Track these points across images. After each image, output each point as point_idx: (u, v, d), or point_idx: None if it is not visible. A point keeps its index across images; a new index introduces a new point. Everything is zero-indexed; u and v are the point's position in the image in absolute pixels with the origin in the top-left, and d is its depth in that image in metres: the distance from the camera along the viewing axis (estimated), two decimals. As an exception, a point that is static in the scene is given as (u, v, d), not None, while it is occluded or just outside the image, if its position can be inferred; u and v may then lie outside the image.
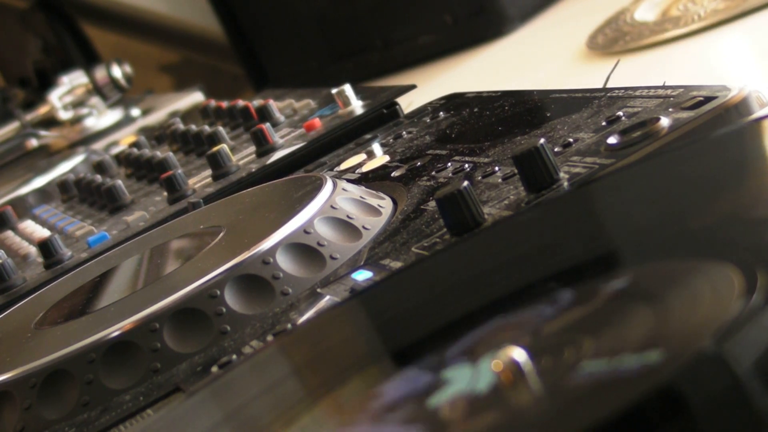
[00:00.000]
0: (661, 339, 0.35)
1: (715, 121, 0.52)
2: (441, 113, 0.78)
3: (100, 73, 1.45)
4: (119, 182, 0.95)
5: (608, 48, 0.93)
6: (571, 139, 0.57)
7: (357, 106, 0.88)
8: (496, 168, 0.59)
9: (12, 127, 1.55)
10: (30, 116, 1.52)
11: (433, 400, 0.37)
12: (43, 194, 1.22)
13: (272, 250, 0.56)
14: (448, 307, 0.44)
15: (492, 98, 0.75)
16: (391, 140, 0.77)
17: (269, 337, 0.52)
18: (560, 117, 0.62)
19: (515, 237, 0.46)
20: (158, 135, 1.20)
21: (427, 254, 0.52)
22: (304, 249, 0.57)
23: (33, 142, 1.57)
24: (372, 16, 1.35)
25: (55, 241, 0.82)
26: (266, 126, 0.88)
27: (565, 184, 0.51)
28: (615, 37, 0.94)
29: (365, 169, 0.73)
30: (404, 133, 0.77)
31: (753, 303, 0.32)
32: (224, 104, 1.11)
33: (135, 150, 1.11)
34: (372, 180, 0.70)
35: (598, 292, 0.40)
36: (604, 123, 0.57)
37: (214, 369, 0.51)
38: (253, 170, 0.83)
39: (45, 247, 0.82)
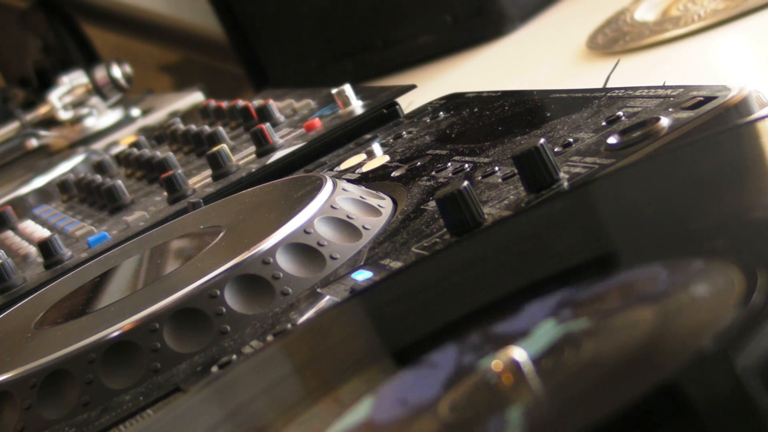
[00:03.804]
0: (661, 340, 0.35)
1: (715, 121, 0.52)
2: (441, 113, 0.78)
3: (100, 73, 1.45)
4: (119, 182, 0.95)
5: (608, 48, 0.93)
6: (571, 139, 0.57)
7: (357, 106, 0.88)
8: (496, 168, 0.59)
9: (12, 127, 1.55)
10: (30, 116, 1.52)
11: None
12: (43, 194, 1.22)
13: (272, 250, 0.56)
14: (448, 307, 0.44)
15: (492, 98, 0.75)
16: (391, 140, 0.77)
17: (269, 337, 0.52)
18: (560, 117, 0.62)
19: (515, 237, 0.46)
20: (158, 135, 1.20)
21: (427, 254, 0.52)
22: (304, 249, 0.57)
23: (33, 142, 1.57)
24: (372, 16, 1.35)
25: (55, 241, 0.82)
26: (266, 126, 0.88)
27: (565, 184, 0.51)
28: (615, 37, 0.94)
29: (365, 169, 0.73)
30: (404, 133, 0.77)
31: (753, 303, 0.32)
32: (224, 104, 1.11)
33: (135, 150, 1.11)
34: (372, 180, 0.70)
35: (598, 292, 0.40)
36: (604, 123, 0.57)
37: (214, 369, 0.52)
38: (253, 170, 0.83)
39: (45, 247, 0.82)
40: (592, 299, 0.40)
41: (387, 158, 0.73)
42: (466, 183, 0.51)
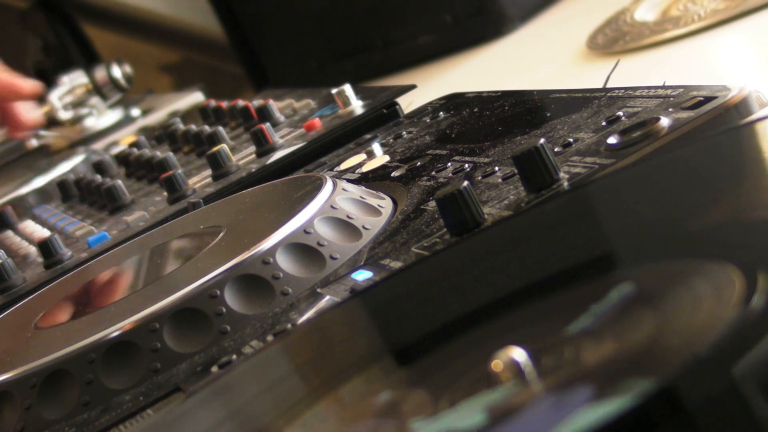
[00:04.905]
0: (660, 341, 0.35)
1: (715, 121, 0.52)
2: (441, 113, 0.78)
3: (100, 73, 1.45)
4: (119, 182, 0.95)
5: (608, 48, 0.93)
6: (571, 139, 0.57)
7: (357, 106, 0.88)
8: (496, 168, 0.59)
9: (12, 126, 1.54)
10: (30, 116, 1.51)
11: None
12: (43, 194, 1.22)
13: (272, 250, 0.56)
14: (448, 307, 0.44)
15: (492, 98, 0.75)
16: (391, 140, 0.77)
17: (269, 337, 0.52)
18: (560, 117, 0.62)
19: (515, 237, 0.46)
20: (158, 135, 1.20)
21: (427, 254, 0.52)
22: (304, 249, 0.57)
23: (33, 142, 1.57)
24: (372, 16, 1.35)
25: (55, 241, 0.82)
26: (266, 126, 0.88)
27: (565, 184, 0.51)
28: (615, 37, 0.94)
29: (365, 169, 0.73)
30: (404, 133, 0.77)
31: (753, 305, 0.32)
32: (224, 104, 1.11)
33: (135, 150, 1.11)
34: (372, 180, 0.70)
35: (597, 292, 0.40)
36: (604, 123, 0.57)
37: (214, 369, 0.52)
38: (253, 170, 0.83)
39: (45, 247, 0.82)
40: (591, 299, 0.40)
41: (387, 158, 0.73)
42: (466, 183, 0.51)
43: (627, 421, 0.28)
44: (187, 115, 1.33)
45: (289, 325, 0.52)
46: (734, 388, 0.28)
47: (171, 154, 0.97)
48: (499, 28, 1.24)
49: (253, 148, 0.89)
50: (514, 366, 0.35)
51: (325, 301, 0.53)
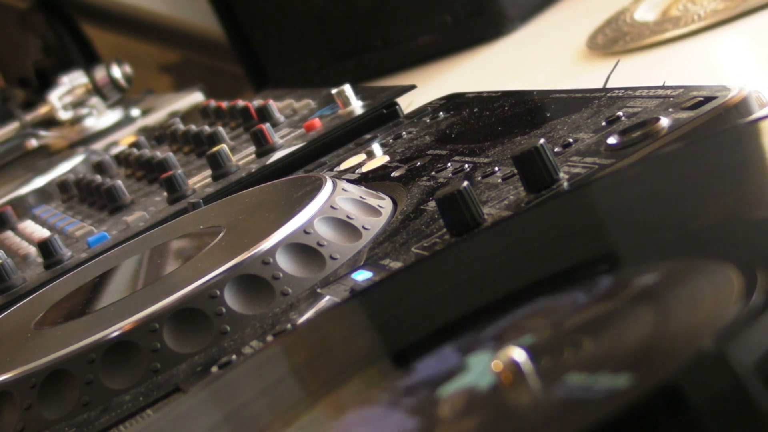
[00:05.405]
0: (660, 340, 0.35)
1: (715, 121, 0.52)
2: (441, 113, 0.78)
3: (100, 73, 1.45)
4: (119, 182, 0.95)
5: (608, 48, 0.93)
6: (571, 139, 0.57)
7: (357, 106, 0.88)
8: (496, 168, 0.59)
9: (12, 127, 1.55)
10: (30, 116, 1.52)
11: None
12: (43, 194, 1.22)
13: (272, 251, 0.56)
14: (448, 308, 0.44)
15: (492, 98, 0.75)
16: (391, 140, 0.77)
17: (269, 337, 0.52)
18: (560, 117, 0.62)
19: (515, 237, 0.46)
20: (158, 135, 1.20)
21: (427, 254, 0.52)
22: (304, 249, 0.57)
23: (33, 142, 1.57)
24: (372, 16, 1.35)
25: (55, 241, 0.82)
26: (266, 126, 0.88)
27: (565, 184, 0.51)
28: (615, 37, 0.94)
29: (365, 169, 0.73)
30: (404, 133, 0.77)
31: (753, 303, 0.32)
32: (224, 104, 1.11)
33: (135, 150, 1.11)
34: (372, 180, 0.70)
35: (598, 292, 0.40)
36: (604, 123, 0.57)
37: (214, 369, 0.52)
38: (253, 170, 0.83)
39: (45, 247, 0.82)
40: (591, 299, 0.40)
41: (387, 158, 0.73)
42: (466, 183, 0.51)
43: (628, 419, 0.28)
44: (187, 115, 1.33)
45: (289, 325, 0.52)
46: (734, 387, 0.28)
47: (171, 154, 0.97)
48: (499, 28, 1.24)
49: (253, 149, 0.89)
50: (514, 366, 0.35)
51: (325, 301, 0.53)
